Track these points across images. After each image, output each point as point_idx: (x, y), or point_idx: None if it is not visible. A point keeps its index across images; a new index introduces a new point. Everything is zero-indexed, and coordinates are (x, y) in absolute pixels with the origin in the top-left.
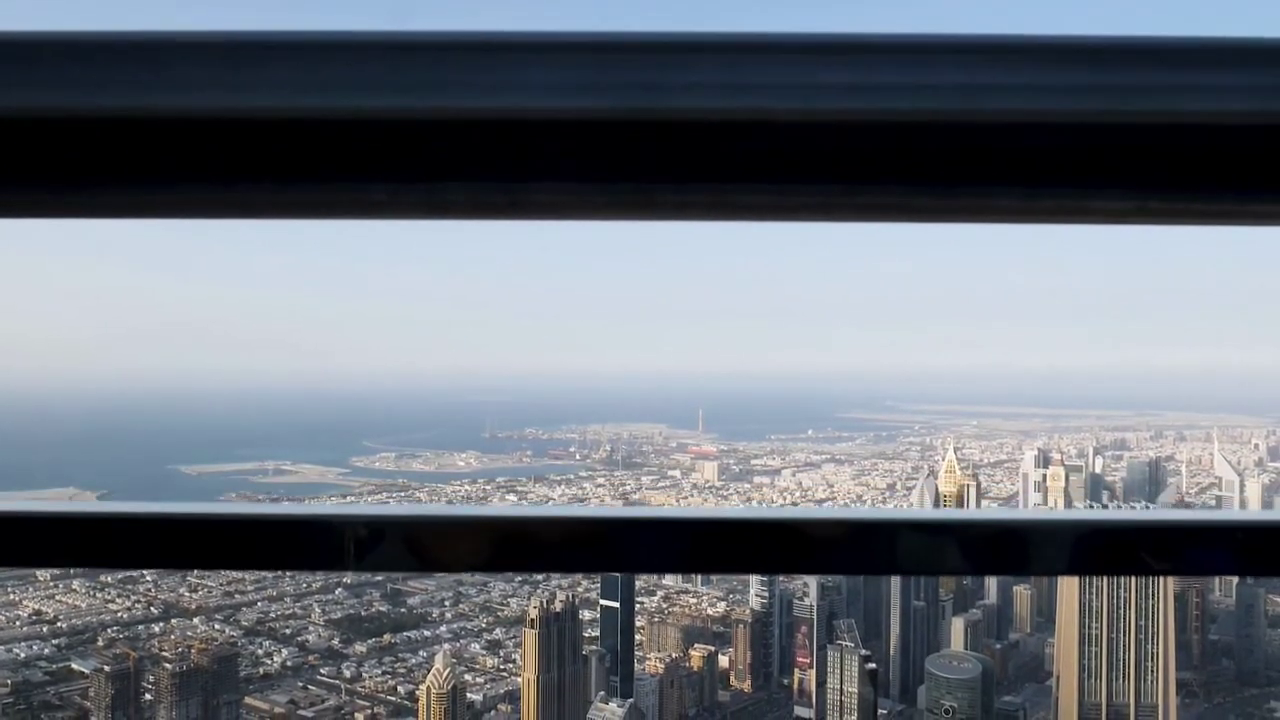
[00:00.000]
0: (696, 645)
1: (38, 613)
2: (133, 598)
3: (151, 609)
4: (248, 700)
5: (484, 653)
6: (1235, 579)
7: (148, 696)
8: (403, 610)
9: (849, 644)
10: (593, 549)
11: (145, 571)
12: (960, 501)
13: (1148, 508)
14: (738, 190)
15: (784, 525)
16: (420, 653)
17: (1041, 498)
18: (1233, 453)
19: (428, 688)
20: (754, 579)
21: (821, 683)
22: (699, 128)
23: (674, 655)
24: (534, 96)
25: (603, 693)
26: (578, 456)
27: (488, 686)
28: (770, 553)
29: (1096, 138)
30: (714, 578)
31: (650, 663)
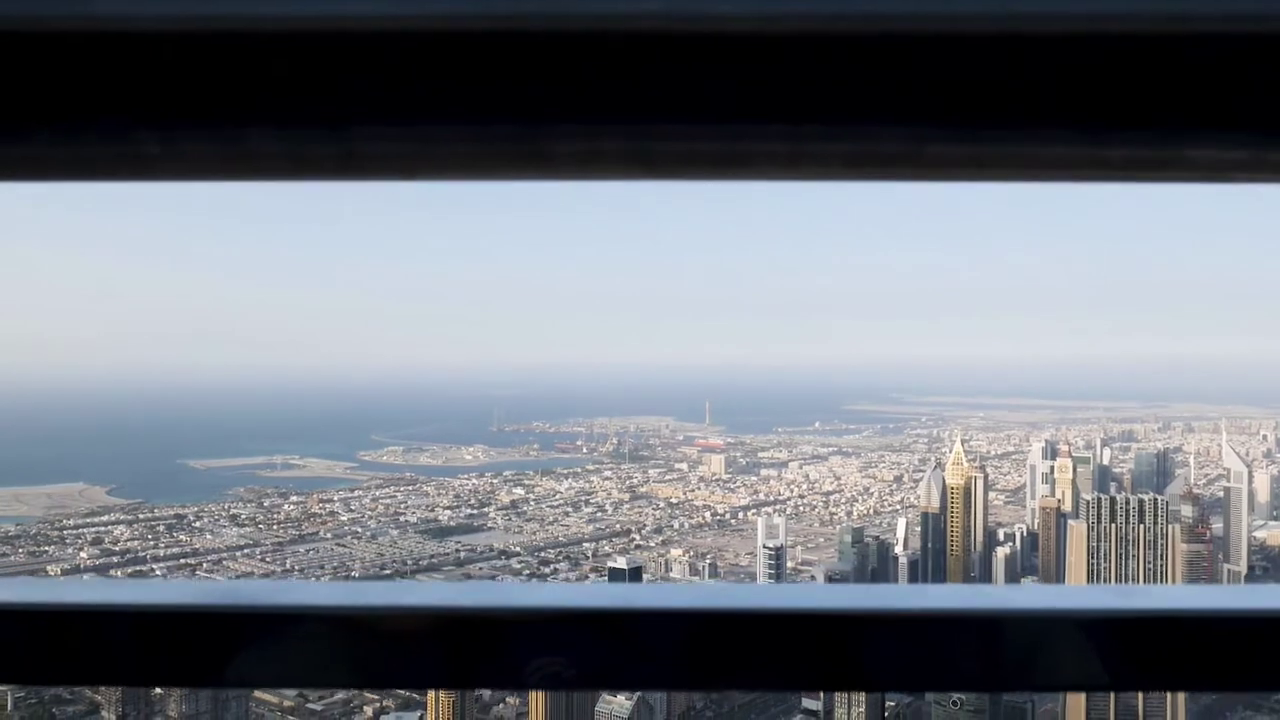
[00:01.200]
0: None
1: None
2: None
3: None
4: (257, 694)
5: None
6: (1242, 569)
7: (158, 690)
8: None
9: None
10: (580, 648)
11: (155, 565)
12: (967, 494)
13: (1156, 499)
14: (670, 136)
15: (803, 620)
16: None
17: (1049, 489)
18: (1241, 444)
19: None
20: (761, 567)
21: None
22: (613, 45)
23: None
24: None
25: None
26: (585, 449)
27: None
28: (798, 659)
29: (1194, 56)
30: (721, 567)
31: None
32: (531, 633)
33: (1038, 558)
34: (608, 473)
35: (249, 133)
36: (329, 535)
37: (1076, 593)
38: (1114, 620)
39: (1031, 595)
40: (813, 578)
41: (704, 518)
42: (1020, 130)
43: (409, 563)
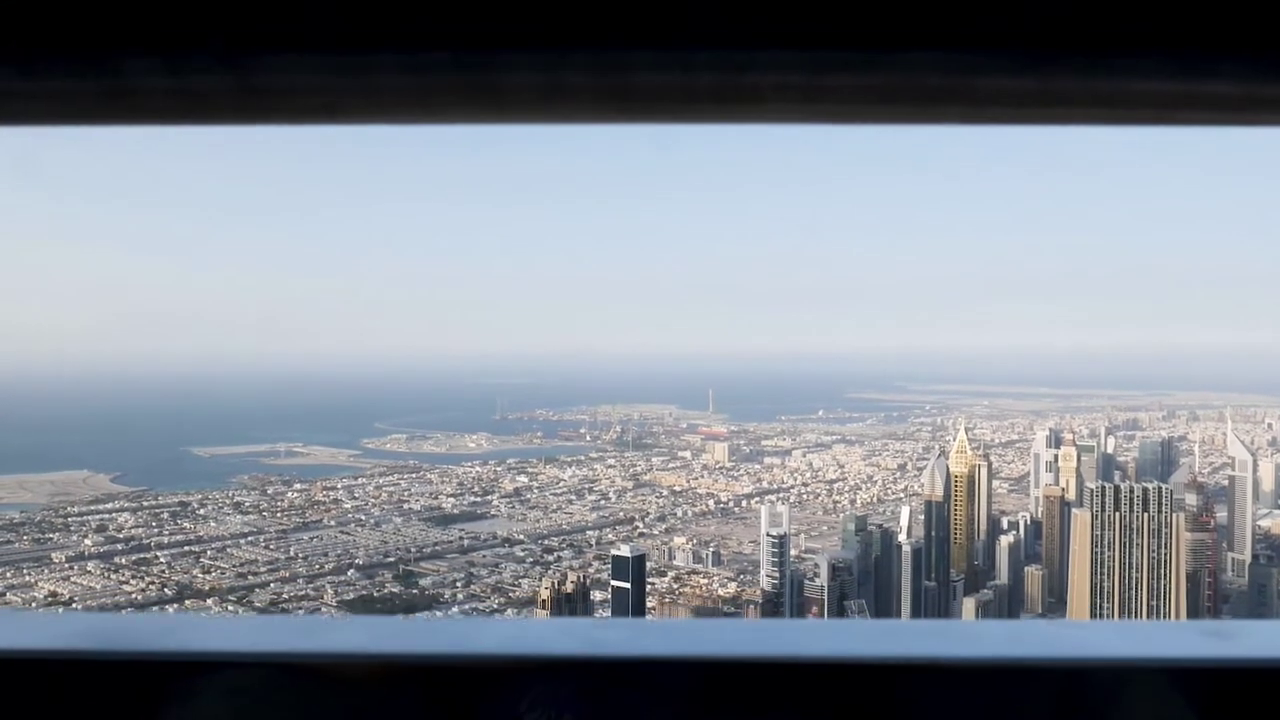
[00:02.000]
0: None
1: (53, 594)
2: (147, 579)
3: (165, 590)
4: None
5: None
6: (1247, 559)
7: None
8: (415, 591)
9: None
10: (578, 703)
11: (159, 553)
12: (971, 482)
13: (1160, 488)
14: (652, 66)
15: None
16: None
17: (1053, 478)
18: (1246, 432)
19: None
20: (765, 555)
21: None
22: None
23: None
24: None
25: None
26: (588, 437)
27: None
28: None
29: None
30: (724, 555)
31: None
32: (520, 685)
33: (1041, 546)
34: (611, 460)
35: (127, 64)
36: (333, 523)
37: (1164, 634)
38: (1217, 670)
39: (1110, 637)
40: (816, 564)
41: (707, 506)
42: (1099, 59)
43: (413, 550)
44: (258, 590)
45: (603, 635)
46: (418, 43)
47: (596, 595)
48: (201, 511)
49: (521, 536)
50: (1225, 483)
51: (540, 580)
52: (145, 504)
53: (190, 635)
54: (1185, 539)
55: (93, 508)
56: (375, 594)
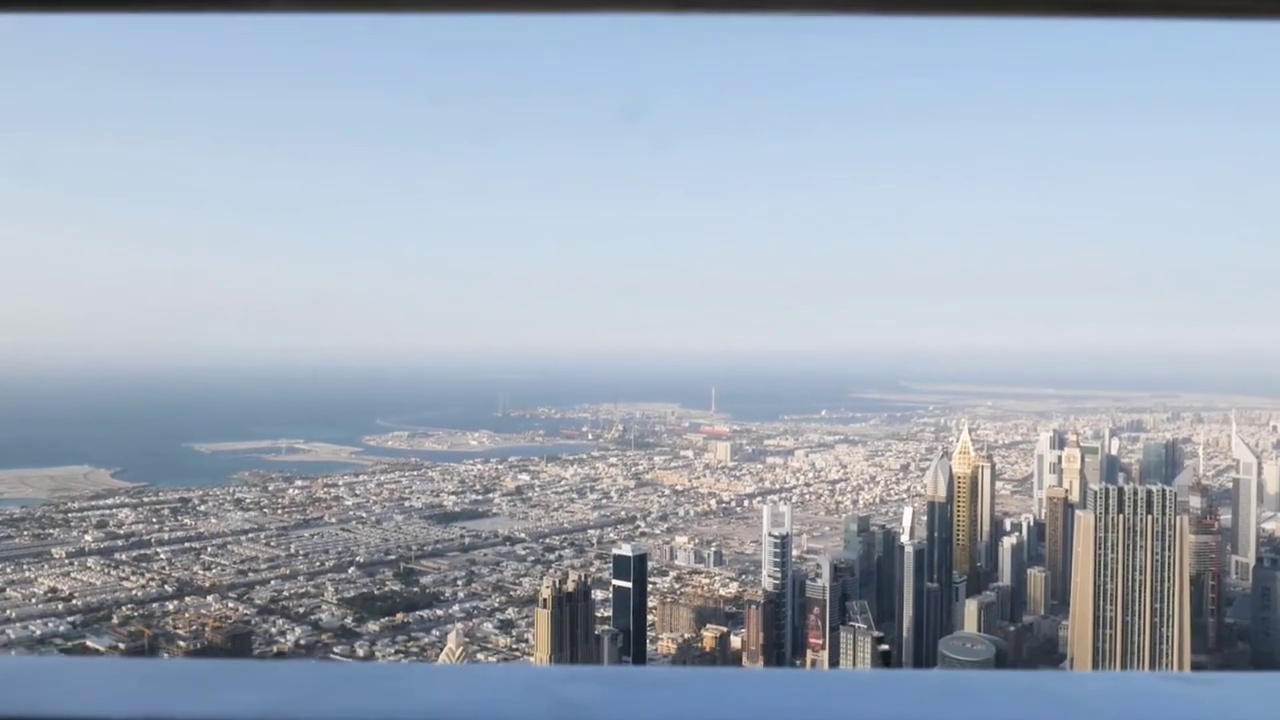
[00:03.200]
0: (709, 626)
1: (53, 590)
2: (147, 575)
3: (166, 587)
4: None
5: (496, 632)
6: (1251, 561)
7: None
8: (415, 589)
9: (862, 625)
10: None
11: (159, 549)
12: (974, 483)
13: (1164, 490)
14: None
15: None
16: (433, 631)
17: (1057, 479)
18: (1251, 435)
19: None
20: (767, 555)
21: (834, 664)
22: None
23: (686, 635)
24: None
25: None
26: (590, 436)
27: None
28: None
29: None
30: (726, 555)
31: (663, 643)
32: None
33: (1044, 548)
34: (613, 459)
35: None
36: (334, 520)
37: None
38: None
39: (1243, 696)
40: (818, 565)
41: (709, 505)
42: None
43: (414, 548)
44: (258, 587)
45: (578, 692)
46: None
47: (598, 594)
48: (202, 508)
49: (523, 535)
50: (1229, 485)
51: (541, 579)
52: (146, 500)
53: (30, 693)
54: (1189, 542)
55: (93, 503)
56: (376, 591)
